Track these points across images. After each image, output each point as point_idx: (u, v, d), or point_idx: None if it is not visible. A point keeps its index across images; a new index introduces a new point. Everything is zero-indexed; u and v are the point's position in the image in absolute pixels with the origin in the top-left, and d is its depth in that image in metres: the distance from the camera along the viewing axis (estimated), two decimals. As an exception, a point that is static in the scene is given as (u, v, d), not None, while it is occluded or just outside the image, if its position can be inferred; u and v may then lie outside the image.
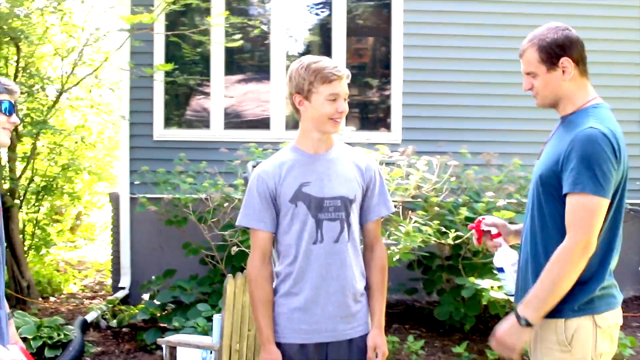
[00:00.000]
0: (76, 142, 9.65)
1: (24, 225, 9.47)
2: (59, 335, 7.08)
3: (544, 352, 3.23)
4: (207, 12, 8.78)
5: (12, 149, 8.71)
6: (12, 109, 3.24)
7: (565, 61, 3.26)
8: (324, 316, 3.53)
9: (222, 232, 7.21)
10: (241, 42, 8.53)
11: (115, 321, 7.93)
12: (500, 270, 3.58)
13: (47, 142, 9.42)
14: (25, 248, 9.30)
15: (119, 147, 9.27)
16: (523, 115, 8.98)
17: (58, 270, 10.80)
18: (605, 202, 3.07)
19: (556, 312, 3.13)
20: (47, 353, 6.93)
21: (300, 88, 3.49)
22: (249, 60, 9.67)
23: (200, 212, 7.64)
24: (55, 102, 8.67)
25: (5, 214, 8.56)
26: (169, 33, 8.58)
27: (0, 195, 3.64)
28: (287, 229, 3.54)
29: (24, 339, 6.95)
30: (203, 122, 9.33)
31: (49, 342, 7.00)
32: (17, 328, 6.98)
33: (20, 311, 7.60)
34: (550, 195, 3.21)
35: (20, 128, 8.60)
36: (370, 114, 9.68)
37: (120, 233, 9.01)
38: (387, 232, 7.04)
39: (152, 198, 8.11)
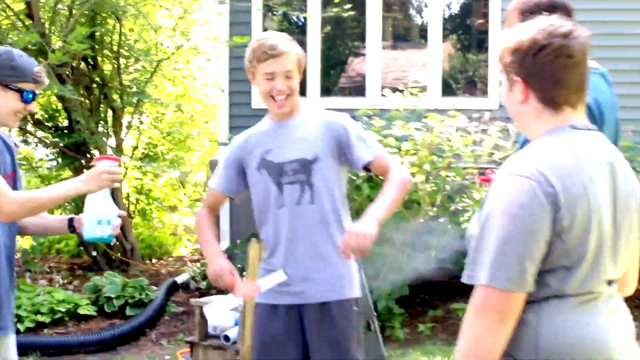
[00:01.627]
0: (175, 111, 10.05)
1: (129, 191, 9.97)
2: (141, 295, 7.48)
3: None
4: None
5: (116, 118, 9.18)
6: (32, 99, 3.40)
7: None
8: (293, 278, 3.58)
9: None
10: (337, 10, 8.58)
11: (204, 283, 8.26)
12: None
13: (149, 112, 9.85)
14: (132, 213, 9.78)
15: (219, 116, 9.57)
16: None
17: (174, 235, 11.29)
18: None
19: None
20: (129, 311, 7.36)
21: (247, 68, 3.62)
22: (347, 30, 9.79)
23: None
24: (153, 73, 9.06)
25: (110, 180, 9.04)
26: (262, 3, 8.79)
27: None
28: (257, 196, 3.66)
29: (108, 298, 7.41)
30: (300, 89, 9.47)
31: (131, 301, 7.42)
32: (103, 287, 7.45)
33: (110, 272, 8.06)
34: None
35: (124, 98, 9.05)
36: (467, 80, 9.59)
37: (219, 201, 9.34)
38: (457, 199, 7.02)
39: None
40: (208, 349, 5.23)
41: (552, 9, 3.09)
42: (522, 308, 2.17)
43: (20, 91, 3.33)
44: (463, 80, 9.60)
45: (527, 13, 3.18)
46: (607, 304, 2.27)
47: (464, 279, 2.21)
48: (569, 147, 2.22)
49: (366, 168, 3.66)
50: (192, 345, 5.36)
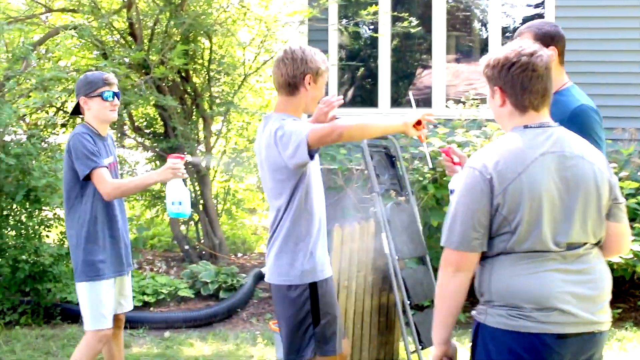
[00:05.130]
0: (259, 120, 11.04)
1: (217, 192, 10.99)
2: (232, 281, 8.49)
3: None
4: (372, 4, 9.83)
5: (207, 126, 10.22)
6: (111, 97, 4.95)
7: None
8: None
9: (366, 196, 8.28)
10: (406, 26, 9.51)
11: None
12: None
13: (237, 121, 10.88)
14: (219, 212, 10.80)
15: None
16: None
17: (255, 234, 12.32)
18: None
19: None
20: (222, 294, 8.36)
21: (319, 73, 4.12)
22: (414, 45, 10.69)
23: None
24: (240, 86, 10.10)
25: (201, 181, 10.10)
26: (328, 25, 9.78)
27: None
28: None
29: (204, 283, 8.42)
30: (372, 100, 10.42)
31: (224, 285, 8.43)
32: (199, 273, 8.46)
33: (204, 261, 9.07)
34: None
35: (214, 108, 10.08)
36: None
37: (298, 199, 10.31)
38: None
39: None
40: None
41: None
42: (479, 262, 3.05)
43: (100, 95, 4.91)
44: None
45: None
46: (561, 262, 2.98)
47: (441, 242, 3.10)
48: (513, 142, 3.02)
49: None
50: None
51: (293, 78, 4.07)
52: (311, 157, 3.85)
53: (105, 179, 4.80)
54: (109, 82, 4.95)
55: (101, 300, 4.88)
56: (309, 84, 4.08)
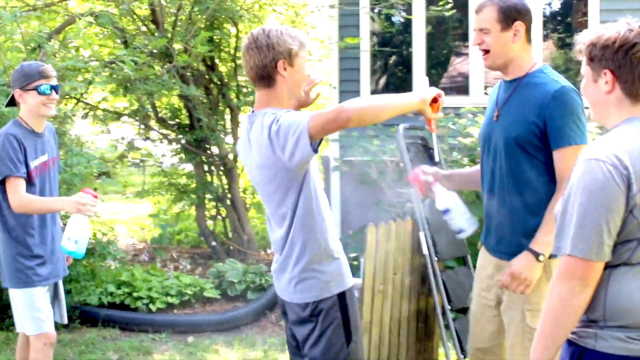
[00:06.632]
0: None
1: (245, 186, 10.54)
2: (260, 280, 8.04)
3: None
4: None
5: (234, 117, 9.78)
6: (49, 90, 4.68)
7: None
8: None
9: (401, 190, 7.80)
10: (440, 10, 9.02)
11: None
12: (446, 211, 4.12)
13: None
14: (247, 206, 10.36)
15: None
16: None
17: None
18: None
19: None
20: (250, 295, 7.92)
21: (287, 52, 3.46)
22: (449, 30, 10.18)
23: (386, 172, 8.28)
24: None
25: (228, 175, 9.68)
26: (359, 8, 9.30)
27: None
28: None
29: (231, 283, 7.99)
30: (405, 88, 9.91)
31: (252, 285, 7.98)
32: (225, 273, 8.03)
33: (231, 259, 8.64)
34: (527, 154, 3.71)
35: (241, 97, 9.63)
36: (567, 77, 9.85)
37: (330, 193, 9.86)
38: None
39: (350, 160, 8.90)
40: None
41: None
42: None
43: (35, 89, 4.64)
44: (563, 77, 9.86)
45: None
46: None
47: (553, 251, 2.62)
48: (638, 135, 2.57)
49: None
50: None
51: (264, 68, 3.45)
52: (315, 150, 3.29)
53: (17, 191, 4.60)
54: (46, 74, 4.73)
55: (37, 306, 4.81)
56: (285, 69, 3.45)
